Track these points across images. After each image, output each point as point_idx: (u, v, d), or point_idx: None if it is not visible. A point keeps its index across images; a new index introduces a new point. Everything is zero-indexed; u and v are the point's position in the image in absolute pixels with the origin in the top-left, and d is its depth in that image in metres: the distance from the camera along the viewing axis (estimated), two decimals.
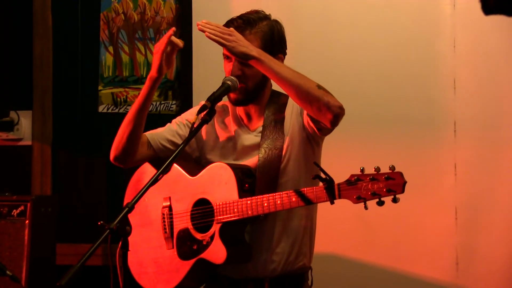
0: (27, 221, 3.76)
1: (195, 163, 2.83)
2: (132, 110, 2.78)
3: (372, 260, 3.82)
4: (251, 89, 2.71)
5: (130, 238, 2.84)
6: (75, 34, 4.40)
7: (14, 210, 3.79)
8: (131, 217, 2.84)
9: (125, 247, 2.61)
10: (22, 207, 3.79)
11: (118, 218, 2.27)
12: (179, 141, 2.81)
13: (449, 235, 3.73)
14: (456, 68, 3.77)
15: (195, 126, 2.55)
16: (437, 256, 3.75)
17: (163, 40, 2.66)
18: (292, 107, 2.75)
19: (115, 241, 2.47)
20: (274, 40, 2.72)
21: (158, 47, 2.67)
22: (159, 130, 2.86)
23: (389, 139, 3.83)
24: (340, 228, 3.54)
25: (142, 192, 2.37)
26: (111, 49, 4.34)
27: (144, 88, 2.75)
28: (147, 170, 2.82)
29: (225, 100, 2.83)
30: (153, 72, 2.72)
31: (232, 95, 2.71)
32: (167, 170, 2.43)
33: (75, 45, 4.40)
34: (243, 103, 2.75)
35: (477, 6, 1.55)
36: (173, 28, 2.68)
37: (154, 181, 2.41)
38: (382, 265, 3.81)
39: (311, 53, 3.91)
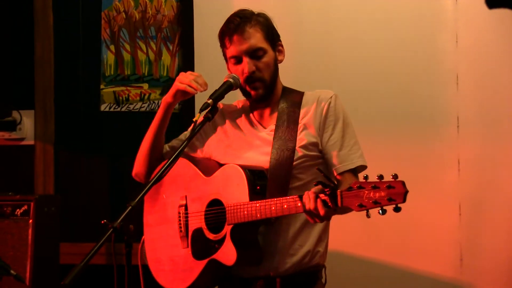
0: (30, 221, 3.77)
1: (211, 162, 2.83)
2: (149, 134, 2.82)
3: (375, 256, 3.81)
4: (269, 80, 2.72)
5: (149, 236, 2.87)
6: (76, 33, 4.40)
7: (18, 210, 3.79)
8: (151, 215, 2.88)
9: (129, 246, 2.62)
10: (26, 207, 3.79)
11: (122, 217, 2.28)
12: (191, 150, 2.86)
13: (453, 231, 3.72)
14: (459, 63, 3.76)
15: (197, 124, 2.57)
16: (441, 252, 3.74)
17: (192, 86, 2.68)
18: (311, 113, 2.71)
19: (118, 240, 2.47)
20: (271, 28, 2.74)
21: (184, 83, 2.69)
22: (174, 142, 2.90)
23: (392, 135, 3.83)
24: (344, 225, 3.52)
25: (145, 191, 2.40)
26: (112, 47, 4.34)
27: (159, 112, 2.80)
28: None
29: (239, 99, 2.84)
30: (168, 97, 2.76)
31: (252, 92, 2.71)
32: (169, 168, 2.45)
33: (77, 44, 4.40)
34: (265, 97, 2.74)
35: (479, 1, 1.54)
36: (206, 89, 2.71)
37: (157, 180, 2.43)
38: (386, 261, 3.80)
39: (312, 49, 3.90)
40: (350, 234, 3.77)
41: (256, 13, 2.75)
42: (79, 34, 4.39)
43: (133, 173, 2.89)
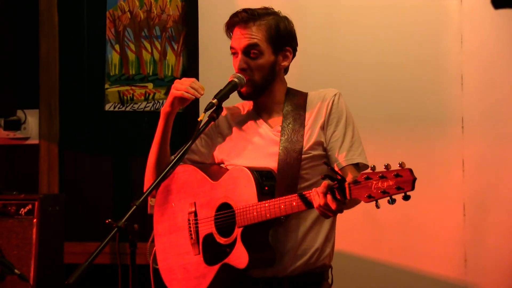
0: (35, 220, 3.77)
1: (218, 167, 2.82)
2: (153, 148, 2.81)
3: (380, 257, 3.81)
4: (259, 81, 2.70)
5: (160, 245, 2.86)
6: (81, 33, 4.40)
7: (22, 209, 3.80)
8: (161, 224, 2.86)
9: (133, 246, 2.62)
10: (30, 206, 3.79)
11: (126, 216, 2.28)
12: (198, 156, 2.85)
13: (457, 232, 3.72)
14: (463, 64, 3.76)
15: (202, 124, 2.57)
16: (445, 252, 3.74)
17: (189, 92, 2.68)
18: (316, 112, 2.72)
19: (123, 239, 2.47)
20: (279, 32, 2.71)
21: (180, 90, 2.68)
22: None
23: (396, 136, 3.83)
24: (348, 225, 3.53)
25: (149, 190, 2.41)
26: (117, 47, 4.34)
27: (159, 124, 2.78)
28: (177, 170, 2.81)
29: (240, 102, 2.83)
30: (166, 106, 2.75)
31: (241, 89, 2.71)
32: (174, 168, 2.47)
33: (81, 44, 4.40)
34: (253, 96, 2.74)
35: (484, 1, 1.54)
36: (203, 94, 2.71)
37: (161, 180, 2.45)
38: (390, 262, 3.80)
39: (317, 51, 3.90)
40: (355, 235, 3.77)
41: (274, 15, 2.73)
42: (84, 34, 4.40)
43: (145, 190, 2.86)
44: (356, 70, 3.87)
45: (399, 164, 2.21)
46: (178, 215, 2.80)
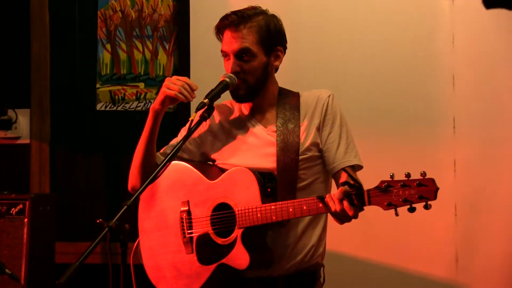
0: (26, 220, 3.76)
1: (214, 167, 2.81)
2: (140, 145, 2.79)
3: (371, 257, 3.81)
4: (253, 83, 2.70)
5: (146, 242, 2.84)
6: (73, 32, 4.39)
7: (13, 209, 3.79)
8: (147, 220, 2.84)
9: (124, 246, 2.61)
10: (21, 206, 3.78)
11: (117, 216, 2.27)
12: (188, 155, 2.84)
13: (449, 232, 3.73)
14: (455, 64, 3.77)
15: (193, 124, 2.56)
16: (436, 253, 3.74)
17: (183, 94, 2.65)
18: (311, 114, 2.72)
19: (114, 239, 2.47)
20: (270, 32, 2.70)
21: (173, 90, 2.66)
22: (167, 149, 2.85)
23: (388, 136, 3.83)
24: (339, 225, 3.54)
25: (140, 190, 2.41)
26: (108, 47, 4.33)
27: (148, 121, 2.76)
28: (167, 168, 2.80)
29: (229, 100, 2.82)
30: (155, 104, 2.73)
31: (234, 92, 2.70)
32: (165, 168, 2.45)
33: (73, 43, 4.39)
34: (246, 98, 2.74)
35: (476, 1, 1.55)
36: (195, 97, 2.69)
37: (152, 180, 2.43)
38: (382, 262, 3.80)
39: (310, 49, 3.90)
40: (346, 234, 3.75)
41: (263, 14, 2.72)
42: (76, 33, 4.39)
43: (129, 187, 2.83)
44: (347, 69, 3.87)
45: (421, 173, 2.25)
46: (168, 212, 2.78)
